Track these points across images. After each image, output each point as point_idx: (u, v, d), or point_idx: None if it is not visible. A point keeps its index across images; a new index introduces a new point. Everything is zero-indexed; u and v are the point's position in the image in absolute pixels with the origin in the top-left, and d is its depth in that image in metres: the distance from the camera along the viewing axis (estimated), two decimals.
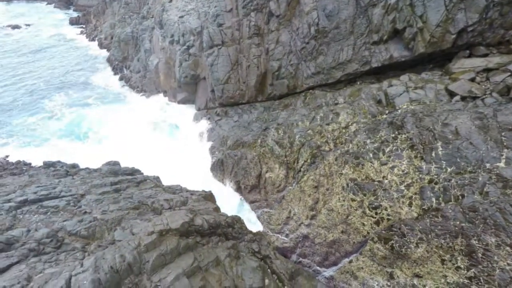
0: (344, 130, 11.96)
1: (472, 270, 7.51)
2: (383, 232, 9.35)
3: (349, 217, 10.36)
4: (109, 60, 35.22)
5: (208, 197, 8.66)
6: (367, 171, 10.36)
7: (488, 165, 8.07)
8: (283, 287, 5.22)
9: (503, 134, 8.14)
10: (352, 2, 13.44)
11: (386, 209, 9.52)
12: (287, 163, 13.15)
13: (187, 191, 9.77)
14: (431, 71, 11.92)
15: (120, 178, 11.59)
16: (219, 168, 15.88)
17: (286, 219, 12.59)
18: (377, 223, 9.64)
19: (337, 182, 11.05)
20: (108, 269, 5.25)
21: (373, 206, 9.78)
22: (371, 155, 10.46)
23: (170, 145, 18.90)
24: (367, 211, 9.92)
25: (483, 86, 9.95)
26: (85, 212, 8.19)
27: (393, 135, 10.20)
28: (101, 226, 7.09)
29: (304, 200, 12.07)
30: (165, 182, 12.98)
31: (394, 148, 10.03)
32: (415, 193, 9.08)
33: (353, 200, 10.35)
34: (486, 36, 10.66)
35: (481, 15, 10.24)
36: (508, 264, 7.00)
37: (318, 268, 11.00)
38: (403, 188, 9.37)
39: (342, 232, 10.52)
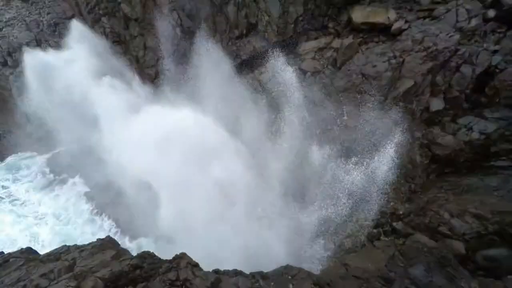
0: None
1: None
2: None
3: None
4: None
5: (106, 244, 7.16)
6: None
7: (338, 121, 10.64)
8: None
9: (340, 95, 10.88)
10: (207, 0, 13.92)
11: None
12: None
13: (77, 248, 7.73)
14: (288, 56, 14.24)
15: None
16: None
17: None
18: None
19: None
20: None
21: None
22: None
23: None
24: None
25: (321, 62, 12.85)
26: None
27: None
28: None
29: None
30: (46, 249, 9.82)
31: None
32: None
33: None
34: (313, 23, 13.69)
35: (304, 7, 12.98)
36: None
37: None
38: None
39: None
